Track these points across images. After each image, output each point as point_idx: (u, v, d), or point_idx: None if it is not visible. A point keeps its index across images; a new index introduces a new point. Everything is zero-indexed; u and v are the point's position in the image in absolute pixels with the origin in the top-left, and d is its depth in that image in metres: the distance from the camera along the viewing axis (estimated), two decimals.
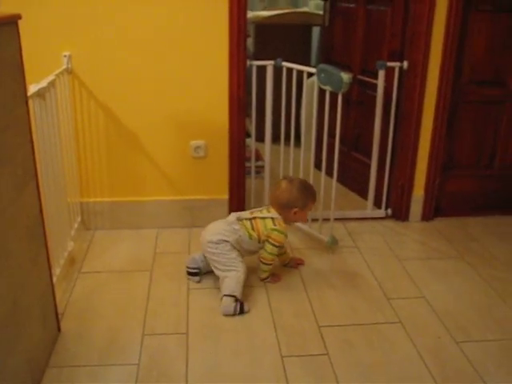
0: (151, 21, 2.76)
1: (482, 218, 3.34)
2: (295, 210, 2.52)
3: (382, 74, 3.03)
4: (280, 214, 2.52)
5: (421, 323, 2.33)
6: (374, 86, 3.11)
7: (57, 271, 2.43)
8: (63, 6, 2.68)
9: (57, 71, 2.57)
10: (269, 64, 3.00)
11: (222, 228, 2.48)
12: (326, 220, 2.98)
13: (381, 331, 2.27)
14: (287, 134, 3.12)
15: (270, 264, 2.55)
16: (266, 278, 2.59)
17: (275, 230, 2.49)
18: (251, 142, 3.19)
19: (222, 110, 2.94)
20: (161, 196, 3.07)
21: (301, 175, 3.10)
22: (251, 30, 4.51)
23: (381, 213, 3.33)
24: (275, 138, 3.17)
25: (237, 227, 2.47)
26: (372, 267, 2.76)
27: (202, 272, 2.59)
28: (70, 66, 2.75)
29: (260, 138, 3.20)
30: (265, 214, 2.53)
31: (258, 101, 3.04)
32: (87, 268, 2.69)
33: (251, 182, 3.18)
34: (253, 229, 2.48)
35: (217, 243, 2.44)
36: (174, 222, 3.11)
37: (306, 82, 2.98)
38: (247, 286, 2.52)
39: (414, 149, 3.13)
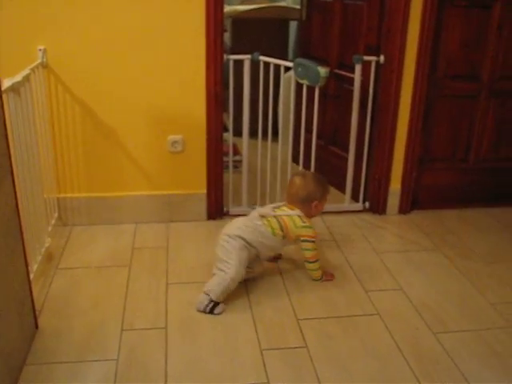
0: (127, 15, 2.73)
1: (457, 210, 3.38)
2: (315, 202, 2.53)
3: (358, 68, 3.04)
4: (301, 210, 2.52)
5: (399, 315, 2.35)
6: (351, 80, 3.12)
7: (34, 267, 2.41)
8: None
9: (32, 65, 2.54)
10: (246, 58, 3.00)
11: (243, 223, 2.45)
12: None
13: (359, 323, 2.29)
14: (265, 128, 3.12)
15: (317, 261, 2.54)
16: (320, 278, 2.57)
17: (305, 227, 2.48)
18: (229, 136, 3.19)
19: (199, 105, 2.93)
20: (138, 191, 3.06)
21: (278, 169, 3.12)
22: (228, 24, 4.49)
23: (358, 206, 3.35)
24: (253, 133, 3.17)
25: (259, 223, 2.44)
26: (350, 260, 2.78)
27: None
28: (45, 60, 2.72)
29: (238, 132, 3.20)
30: (288, 211, 2.51)
31: (235, 95, 3.03)
32: (65, 264, 2.67)
33: (229, 177, 3.18)
34: (281, 228, 2.46)
35: (231, 237, 2.39)
36: (151, 217, 3.10)
37: (283, 76, 2.98)
38: None
39: (390, 142, 3.16)
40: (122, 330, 2.20)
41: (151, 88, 2.87)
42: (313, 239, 2.51)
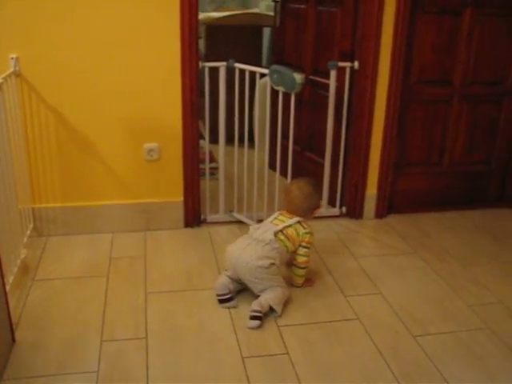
0: (102, 23, 2.71)
1: (433, 213, 3.42)
2: (317, 210, 2.60)
3: (333, 74, 3.06)
4: (301, 217, 2.53)
5: (378, 319, 2.37)
6: (326, 86, 3.14)
7: (10, 279, 2.37)
8: (8, 6, 2.61)
9: (4, 74, 2.50)
10: (221, 65, 2.99)
11: (265, 250, 2.39)
12: None
13: (339, 329, 2.30)
14: (241, 134, 3.12)
15: (306, 267, 2.55)
16: (302, 284, 2.58)
17: (307, 233, 2.50)
18: (205, 143, 3.19)
19: (174, 113, 2.92)
20: (115, 200, 3.03)
21: (255, 176, 3.11)
22: (202, 31, 4.49)
23: (335, 211, 3.37)
24: (229, 139, 3.17)
25: (276, 245, 2.42)
26: (328, 265, 2.79)
27: (234, 294, 2.48)
28: (17, 68, 2.68)
29: (214, 139, 3.19)
30: (289, 221, 2.50)
31: (211, 102, 3.03)
32: (41, 275, 2.63)
33: (206, 184, 3.17)
34: (288, 239, 2.46)
35: (268, 268, 2.36)
36: (128, 225, 3.07)
37: (258, 82, 2.99)
38: (206, 289, 2.52)
39: (366, 148, 3.18)
40: (102, 341, 2.17)
41: (126, 96, 2.85)
42: (310, 246, 2.54)
